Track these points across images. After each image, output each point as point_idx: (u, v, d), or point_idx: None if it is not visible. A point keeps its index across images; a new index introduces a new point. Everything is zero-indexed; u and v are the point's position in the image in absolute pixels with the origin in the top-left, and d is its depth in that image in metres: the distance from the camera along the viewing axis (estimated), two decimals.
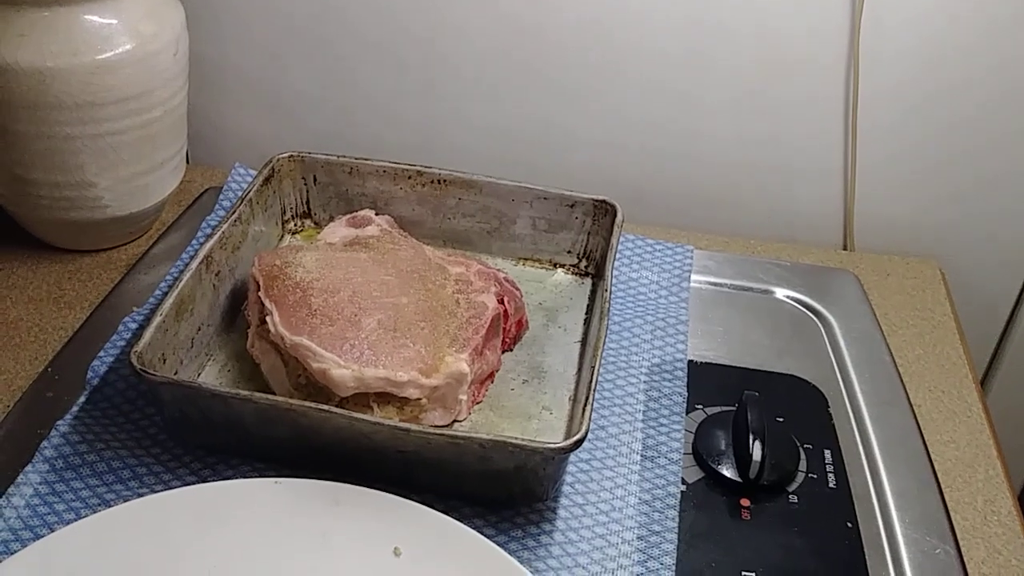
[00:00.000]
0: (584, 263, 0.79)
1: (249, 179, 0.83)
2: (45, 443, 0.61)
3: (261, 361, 0.65)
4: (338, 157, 0.79)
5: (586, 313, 0.75)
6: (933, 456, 0.67)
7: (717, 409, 0.68)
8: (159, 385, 0.58)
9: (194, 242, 0.79)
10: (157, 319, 0.61)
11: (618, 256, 0.80)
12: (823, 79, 0.86)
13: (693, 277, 0.81)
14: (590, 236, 0.78)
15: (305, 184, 0.80)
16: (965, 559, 0.60)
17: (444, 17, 0.88)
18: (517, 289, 0.71)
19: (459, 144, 0.94)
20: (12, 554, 0.52)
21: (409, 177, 0.78)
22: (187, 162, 0.88)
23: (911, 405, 0.71)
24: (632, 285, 0.79)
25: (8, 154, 0.75)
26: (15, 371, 0.70)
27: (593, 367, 0.61)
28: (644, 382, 0.69)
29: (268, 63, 0.92)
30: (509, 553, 0.54)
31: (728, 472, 0.63)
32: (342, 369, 0.60)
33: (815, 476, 0.64)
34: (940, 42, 0.83)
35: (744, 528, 0.61)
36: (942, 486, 0.65)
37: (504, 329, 0.69)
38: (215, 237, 0.68)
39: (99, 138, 0.75)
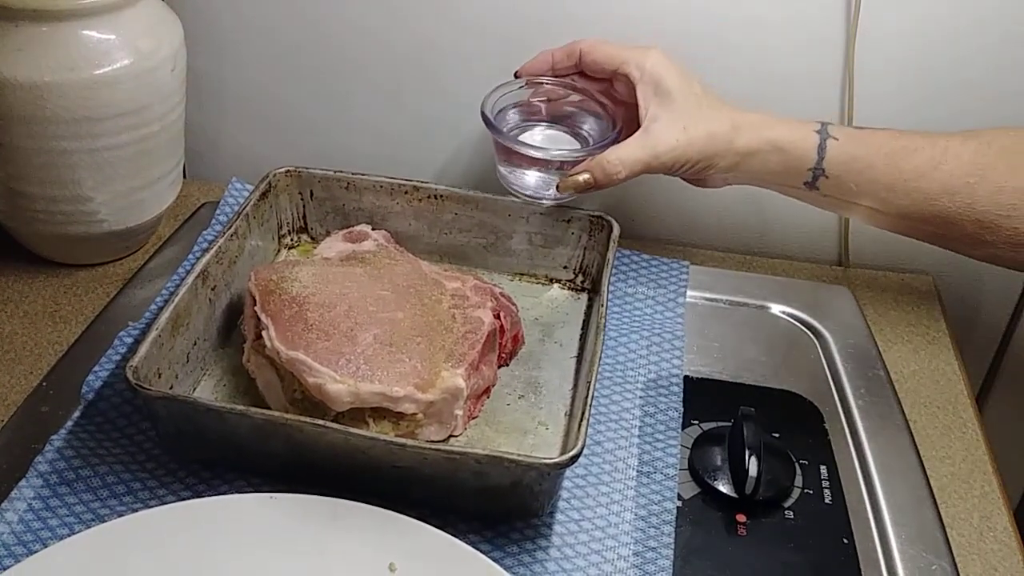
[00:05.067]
0: (580, 278, 0.79)
1: (246, 194, 0.83)
2: (39, 458, 0.61)
3: (257, 376, 0.65)
4: (335, 172, 0.79)
5: (582, 328, 0.75)
6: (929, 472, 0.67)
7: (713, 425, 0.68)
8: (154, 400, 0.58)
9: (190, 256, 0.79)
10: (153, 333, 0.61)
11: (614, 271, 0.80)
12: (818, 93, 0.86)
13: (689, 292, 0.81)
14: (586, 251, 0.78)
15: (302, 199, 0.80)
16: (961, 575, 0.60)
17: (439, 33, 0.88)
18: (513, 304, 0.71)
19: (456, 159, 0.94)
20: (6, 569, 0.52)
21: (406, 192, 0.78)
22: (184, 177, 0.88)
23: (907, 420, 0.71)
24: (628, 300, 0.79)
25: (5, 168, 0.75)
26: (9, 386, 0.70)
27: (589, 382, 0.61)
28: (640, 397, 0.69)
29: (265, 79, 0.93)
30: (505, 568, 0.54)
31: (724, 488, 0.63)
32: (338, 384, 0.60)
33: (811, 492, 0.64)
34: (934, 57, 0.84)
35: (740, 544, 0.61)
36: (938, 502, 0.65)
37: (500, 344, 0.69)
38: (211, 252, 0.68)
39: (96, 153, 0.75)
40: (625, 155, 0.70)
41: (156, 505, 0.58)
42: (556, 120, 0.77)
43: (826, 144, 0.70)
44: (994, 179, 0.67)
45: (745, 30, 0.84)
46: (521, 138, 0.75)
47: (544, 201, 0.75)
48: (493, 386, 0.69)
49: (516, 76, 0.76)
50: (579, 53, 0.74)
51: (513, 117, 0.76)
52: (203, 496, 0.59)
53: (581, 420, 0.58)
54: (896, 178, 0.69)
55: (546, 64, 0.75)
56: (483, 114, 0.73)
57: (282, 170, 0.78)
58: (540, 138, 0.75)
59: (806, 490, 0.64)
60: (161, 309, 0.63)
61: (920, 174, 0.68)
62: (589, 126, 0.76)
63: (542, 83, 0.76)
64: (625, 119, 0.74)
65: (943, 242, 0.72)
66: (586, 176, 0.71)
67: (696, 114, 0.71)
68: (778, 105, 0.88)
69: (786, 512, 0.63)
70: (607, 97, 0.76)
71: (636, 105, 0.72)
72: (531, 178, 0.74)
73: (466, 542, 0.55)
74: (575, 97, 0.76)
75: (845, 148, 0.70)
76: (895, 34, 0.83)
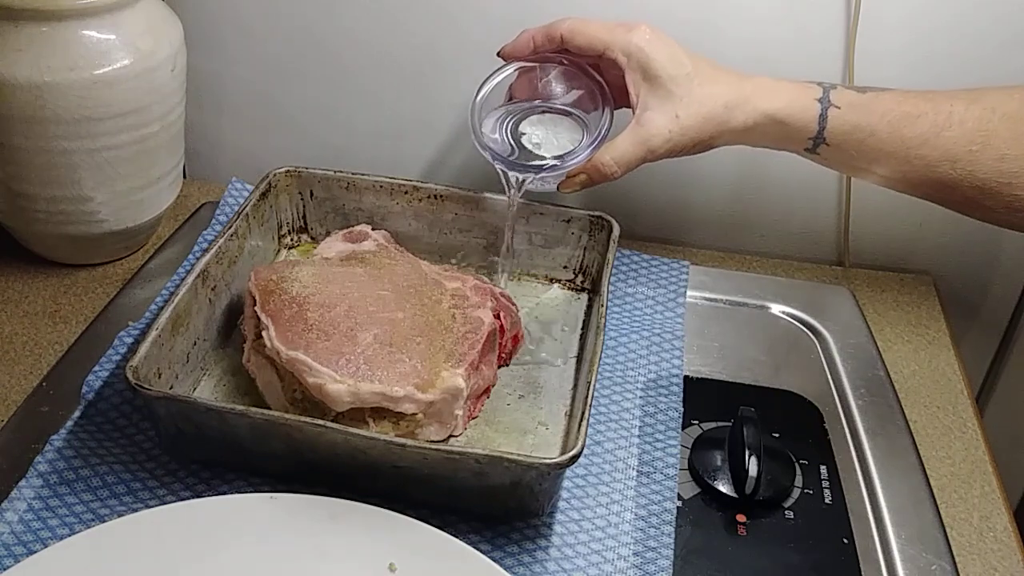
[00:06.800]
0: (580, 278, 0.79)
1: (246, 194, 0.83)
2: (39, 458, 0.61)
3: (257, 376, 0.65)
4: (335, 172, 0.79)
5: (582, 328, 0.75)
6: (929, 472, 0.67)
7: (713, 425, 0.68)
8: (154, 400, 0.58)
9: (190, 256, 0.79)
10: (153, 333, 0.61)
11: (614, 271, 0.80)
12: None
13: (689, 292, 0.81)
14: (586, 251, 0.78)
15: (302, 199, 0.80)
16: (961, 575, 0.60)
17: (442, 36, 0.88)
18: (513, 304, 0.71)
19: (457, 160, 0.94)
20: (5, 569, 0.52)
21: (406, 192, 0.78)
22: (184, 177, 0.88)
23: (906, 421, 0.71)
24: (628, 300, 0.79)
25: (5, 168, 0.75)
26: (9, 385, 0.70)
27: (589, 382, 0.61)
28: (640, 397, 0.69)
29: (266, 79, 0.93)
30: (505, 568, 0.54)
31: (724, 488, 0.63)
32: (338, 384, 0.60)
33: (811, 492, 0.64)
34: (935, 57, 0.84)
35: (740, 544, 0.61)
36: (938, 502, 0.65)
37: (500, 344, 0.69)
38: (211, 252, 0.68)
39: (96, 153, 0.75)
40: (619, 155, 0.70)
41: (156, 505, 0.58)
42: (550, 101, 0.75)
43: (827, 114, 0.68)
44: (997, 146, 0.66)
45: (743, 27, 0.84)
46: (521, 127, 0.74)
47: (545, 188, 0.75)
48: (493, 386, 0.69)
49: (500, 56, 0.75)
50: (560, 38, 0.72)
51: (507, 112, 0.75)
52: (203, 496, 0.59)
53: (581, 420, 0.57)
54: (898, 146, 0.68)
55: (528, 47, 0.73)
56: (478, 142, 0.71)
57: (282, 170, 0.78)
58: (536, 126, 0.74)
59: (806, 490, 0.64)
60: (161, 309, 0.63)
61: (923, 141, 0.67)
62: (584, 101, 0.74)
63: (529, 65, 0.75)
64: (617, 89, 0.73)
65: (941, 203, 0.71)
66: (583, 177, 0.71)
67: (688, 98, 0.69)
68: None
69: (786, 512, 0.63)
70: (596, 68, 0.74)
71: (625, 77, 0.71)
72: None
73: (466, 542, 0.55)
74: (564, 71, 0.75)
75: (847, 118, 0.68)
76: (895, 27, 0.82)
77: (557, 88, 0.75)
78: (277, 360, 0.62)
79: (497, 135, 0.73)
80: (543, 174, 0.72)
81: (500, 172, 0.73)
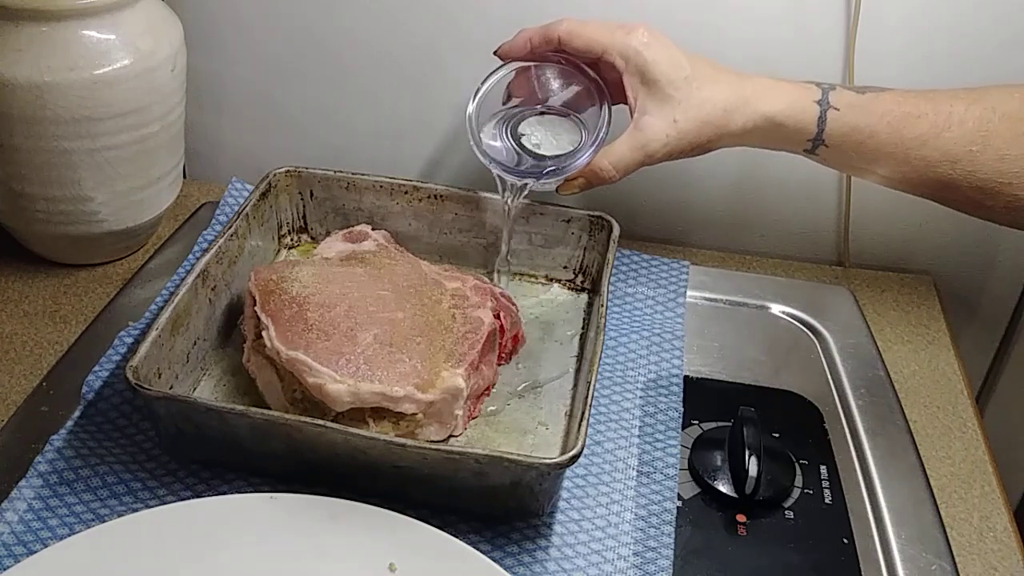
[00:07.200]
0: (580, 278, 0.79)
1: (246, 194, 0.83)
2: (39, 458, 0.61)
3: (257, 376, 0.65)
4: (335, 172, 0.79)
5: (582, 328, 0.75)
6: (929, 472, 0.67)
7: (713, 425, 0.68)
8: (154, 400, 0.58)
9: (190, 256, 0.79)
10: (153, 333, 0.61)
11: (614, 271, 0.80)
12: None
13: (689, 292, 0.81)
14: (586, 251, 0.78)
15: (302, 199, 0.80)
16: (961, 575, 0.60)
17: (442, 36, 0.88)
18: (513, 304, 0.71)
19: (457, 160, 0.94)
20: (6, 569, 0.52)
21: (406, 192, 0.78)
22: (184, 177, 0.88)
23: (907, 421, 0.71)
24: (628, 300, 0.79)
25: (5, 168, 0.75)
26: (9, 385, 0.70)
27: (589, 382, 0.61)
28: (640, 397, 0.69)
29: (266, 79, 0.93)
30: (505, 568, 0.54)
31: (724, 488, 0.63)
32: (338, 384, 0.60)
33: (811, 492, 0.64)
34: (935, 57, 0.84)
35: (740, 544, 0.61)
36: (938, 502, 0.65)
37: (500, 344, 0.69)
38: (211, 252, 0.68)
39: (96, 153, 0.75)
40: (617, 159, 0.70)
41: (156, 505, 0.58)
42: (548, 100, 0.75)
43: (826, 116, 0.68)
44: (997, 146, 0.66)
45: (743, 28, 0.84)
46: (520, 128, 0.74)
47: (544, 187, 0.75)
48: (493, 386, 0.69)
49: (496, 55, 0.74)
50: (557, 39, 0.71)
51: (505, 115, 0.75)
52: (203, 496, 0.59)
53: (581, 420, 0.57)
54: (898, 147, 0.68)
55: (525, 48, 0.73)
56: (477, 148, 0.71)
57: (282, 170, 0.78)
58: (536, 127, 0.74)
59: (806, 490, 0.64)
60: (161, 309, 0.63)
61: (922, 142, 0.67)
62: (582, 99, 0.74)
63: (526, 64, 0.74)
64: (615, 87, 0.72)
65: (942, 203, 0.71)
66: (581, 181, 0.71)
67: (686, 102, 0.69)
68: None
69: (786, 512, 0.63)
70: (594, 68, 0.73)
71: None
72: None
73: (466, 542, 0.55)
74: (561, 69, 0.74)
75: (846, 120, 0.68)
76: (895, 27, 0.82)
77: (555, 86, 0.75)
78: (277, 360, 0.62)
79: (497, 139, 0.73)
80: (543, 179, 0.72)
81: (497, 178, 0.73)
